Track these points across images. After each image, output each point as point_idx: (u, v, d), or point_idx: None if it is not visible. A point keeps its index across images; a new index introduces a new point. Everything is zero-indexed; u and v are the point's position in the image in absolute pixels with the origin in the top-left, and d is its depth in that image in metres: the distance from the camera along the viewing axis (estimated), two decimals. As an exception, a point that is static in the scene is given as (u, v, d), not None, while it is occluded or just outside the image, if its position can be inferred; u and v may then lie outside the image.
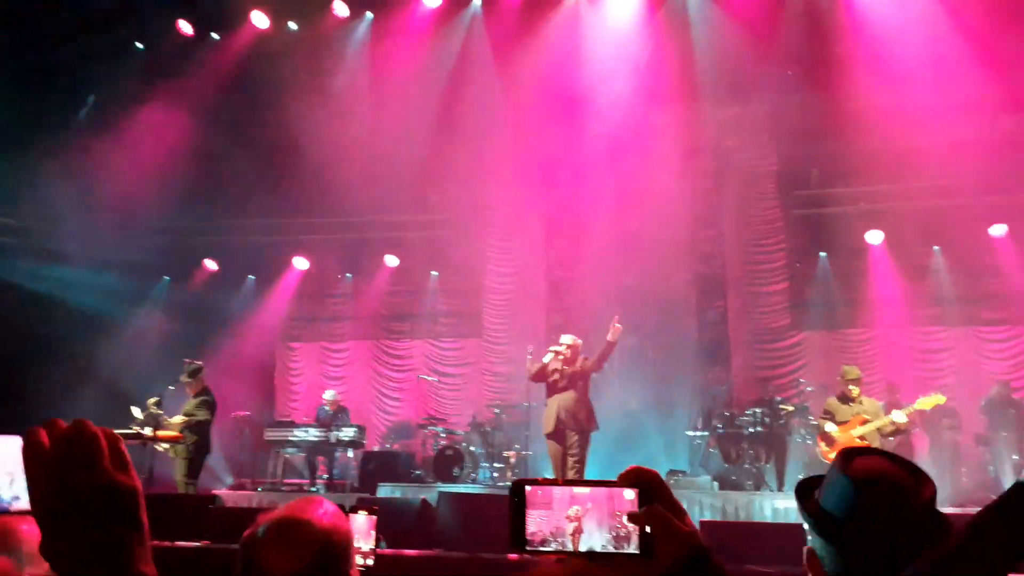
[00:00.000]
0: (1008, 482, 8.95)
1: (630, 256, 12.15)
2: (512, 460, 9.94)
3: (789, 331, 11.68)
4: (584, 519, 1.20)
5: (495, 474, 10.17)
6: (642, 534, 1.18)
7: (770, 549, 5.23)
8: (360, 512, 3.32)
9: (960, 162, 10.54)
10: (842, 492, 1.33)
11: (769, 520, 8.25)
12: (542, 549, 1.20)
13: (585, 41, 11.85)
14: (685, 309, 11.98)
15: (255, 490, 10.42)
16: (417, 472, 10.57)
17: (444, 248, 13.07)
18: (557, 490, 1.23)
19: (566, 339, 7.59)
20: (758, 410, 9.70)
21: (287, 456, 10.65)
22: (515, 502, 1.22)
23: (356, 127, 12.41)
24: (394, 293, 13.29)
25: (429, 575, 5.79)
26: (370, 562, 3.18)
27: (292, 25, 12.32)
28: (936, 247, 11.16)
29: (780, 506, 8.46)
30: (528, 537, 1.21)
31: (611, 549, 1.18)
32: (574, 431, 7.27)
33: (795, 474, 9.59)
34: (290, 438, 10.36)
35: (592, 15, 11.93)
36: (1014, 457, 9.11)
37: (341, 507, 1.78)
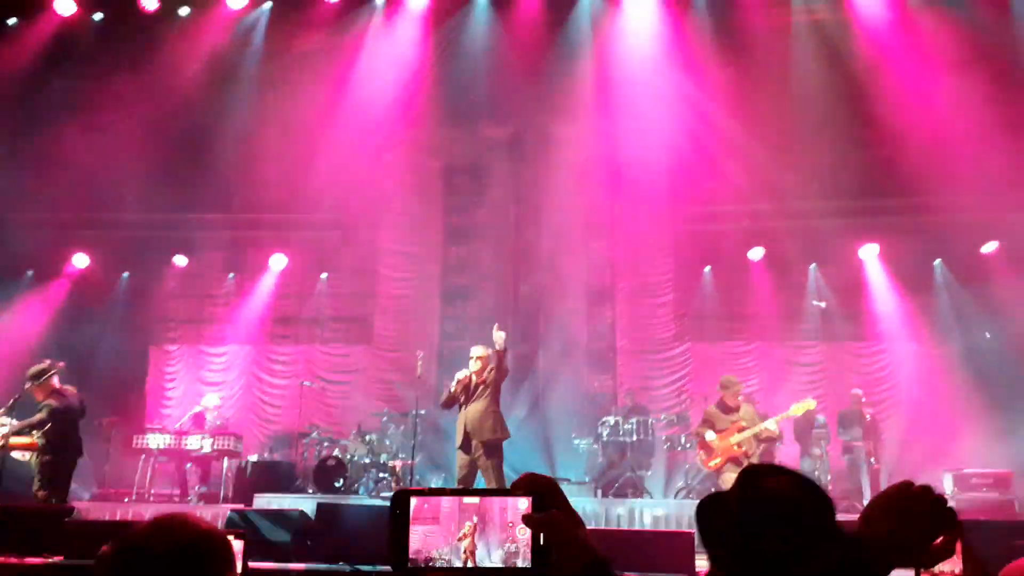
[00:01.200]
0: (866, 488, 9.50)
1: (526, 264, 12.23)
2: (397, 469, 9.72)
3: (674, 341, 11.99)
4: (477, 534, 1.10)
5: (379, 484, 9.91)
6: (535, 546, 1.08)
7: (655, 557, 5.27)
8: (228, 536, 3.08)
9: (835, 183, 11.18)
10: (760, 509, 1.28)
11: (649, 527, 8.40)
12: (426, 567, 1.08)
13: (492, 41, 11.80)
14: (576, 317, 12.12)
15: (120, 501, 9.74)
16: (297, 482, 10.17)
17: (335, 250, 12.71)
18: (446, 502, 1.12)
19: (476, 351, 7.37)
20: (641, 418, 9.89)
21: (157, 465, 10.01)
22: (396, 515, 1.10)
23: (247, 120, 11.94)
24: (280, 295, 12.77)
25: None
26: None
27: (183, 10, 11.71)
28: (813, 265, 11.73)
29: (659, 513, 8.64)
30: (412, 555, 1.09)
31: (515, 563, 1.08)
32: (480, 441, 7.03)
33: (675, 482, 9.85)
34: (160, 445, 9.74)
35: (499, 15, 11.90)
36: (872, 461, 9.66)
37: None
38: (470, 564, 1.09)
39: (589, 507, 8.73)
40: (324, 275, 12.75)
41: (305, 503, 7.84)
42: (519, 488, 1.12)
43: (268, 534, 6.14)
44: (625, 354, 11.97)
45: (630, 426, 9.79)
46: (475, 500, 1.12)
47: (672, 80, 11.97)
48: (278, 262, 12.63)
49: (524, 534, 1.09)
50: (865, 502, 8.98)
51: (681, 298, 12.13)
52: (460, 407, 7.25)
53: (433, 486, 9.78)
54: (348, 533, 6.08)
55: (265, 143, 12.13)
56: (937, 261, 11.34)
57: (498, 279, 12.42)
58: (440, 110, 12.40)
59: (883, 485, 9.49)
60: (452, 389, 7.23)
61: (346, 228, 12.74)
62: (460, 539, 1.11)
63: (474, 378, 7.18)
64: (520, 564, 1.09)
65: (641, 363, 11.84)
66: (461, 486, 6.51)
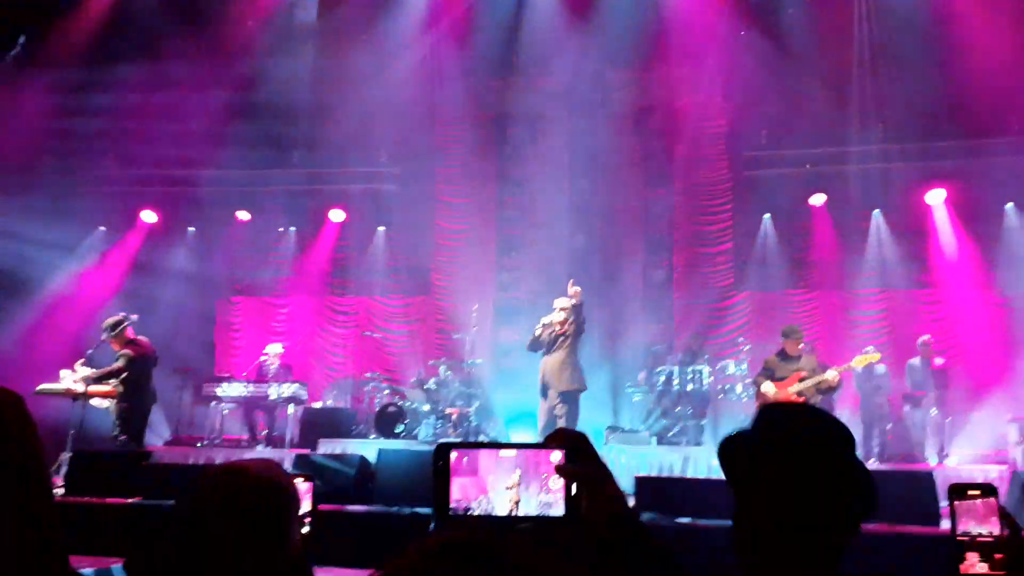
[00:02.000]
0: (931, 438, 9.33)
1: (580, 215, 12.18)
2: (454, 417, 9.93)
3: (732, 290, 11.85)
4: (521, 486, 1.16)
5: (437, 431, 10.17)
6: (568, 498, 1.14)
7: (705, 503, 5.33)
8: (296, 479, 3.25)
9: (899, 126, 10.76)
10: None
11: (703, 476, 8.46)
12: (467, 515, 1.15)
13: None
14: (632, 267, 12.06)
15: (193, 446, 10.24)
16: (359, 429, 10.51)
17: (391, 203, 12.85)
18: (484, 455, 1.18)
19: (560, 302, 7.73)
20: (697, 367, 9.87)
21: (226, 412, 10.46)
22: (439, 467, 1.17)
23: (300, 73, 12.08)
24: (339, 248, 13.04)
25: (368, 530, 5.77)
26: (305, 529, 3.13)
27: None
28: (876, 211, 11.38)
29: (715, 463, 8.63)
30: (453, 505, 1.15)
31: (549, 513, 1.14)
32: (557, 391, 7.41)
33: (728, 430, 9.83)
34: (229, 393, 10.15)
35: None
36: (933, 413, 9.47)
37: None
38: (513, 513, 1.15)
39: (645, 455, 8.82)
40: (381, 228, 12.92)
41: (366, 448, 8.12)
42: (552, 442, 1.17)
43: (331, 478, 6.40)
44: (682, 304, 11.90)
45: (686, 375, 9.79)
46: (511, 454, 1.17)
47: (729, 21, 11.62)
48: (336, 216, 12.86)
49: (558, 485, 1.14)
50: (927, 452, 8.84)
51: (740, 246, 11.93)
52: (542, 355, 7.63)
53: (488, 434, 10.01)
54: (407, 477, 6.29)
55: (323, 97, 12.30)
56: (1009, 205, 10.85)
57: (553, 229, 12.40)
58: (493, 60, 12.32)
59: (947, 436, 9.35)
60: (536, 333, 7.67)
61: (402, 180, 12.85)
62: (507, 489, 1.17)
63: (556, 327, 7.51)
64: (554, 513, 1.15)
65: (699, 312, 11.75)
66: (541, 431, 6.81)
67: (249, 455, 8.97)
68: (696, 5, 11.54)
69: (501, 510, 1.14)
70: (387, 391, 10.89)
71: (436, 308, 12.59)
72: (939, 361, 9.72)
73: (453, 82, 12.70)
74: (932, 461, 8.99)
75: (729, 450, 1.35)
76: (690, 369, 9.82)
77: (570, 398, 7.44)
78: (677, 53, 11.79)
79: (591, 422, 9.93)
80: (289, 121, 12.32)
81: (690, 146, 12.16)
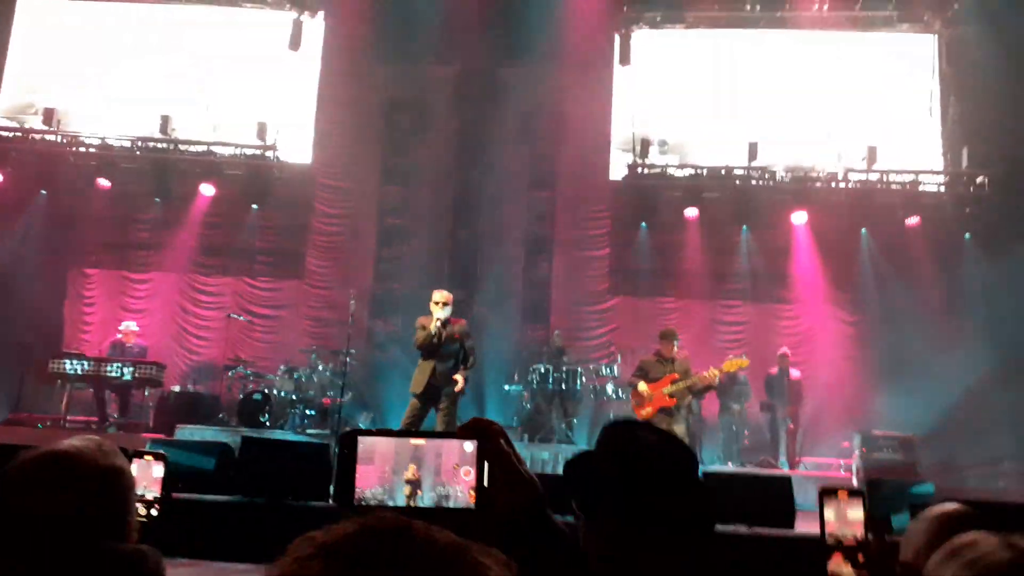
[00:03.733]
0: (782, 446, 9.93)
1: (465, 209, 12.14)
2: (325, 407, 9.66)
3: (607, 295, 12.16)
4: (422, 474, 1.09)
5: (305, 421, 9.85)
6: (479, 488, 1.08)
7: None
8: (145, 457, 3.00)
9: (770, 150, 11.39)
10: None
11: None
12: (371, 505, 1.07)
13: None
14: (513, 266, 12.15)
15: (33, 427, 9.42)
16: (220, 416, 10.02)
17: (269, 182, 12.33)
18: (392, 442, 1.10)
19: (441, 296, 7.11)
20: (570, 368, 10.06)
21: (75, 391, 9.70)
22: (345, 454, 1.08)
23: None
24: (209, 225, 12.34)
25: (228, 521, 5.47)
26: (155, 512, 2.88)
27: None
28: (745, 227, 11.98)
29: (585, 461, 8.85)
30: (356, 493, 1.08)
31: (448, 504, 1.08)
32: (446, 391, 7.02)
33: (598, 430, 10.09)
34: (78, 371, 9.40)
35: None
36: (787, 422, 10.07)
37: (124, 450, 1.54)
38: (412, 504, 1.09)
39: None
40: (255, 206, 12.36)
41: (228, 436, 7.74)
42: (465, 432, 1.11)
43: (189, 465, 6.04)
44: (559, 305, 12.09)
45: (559, 374, 9.95)
46: (422, 442, 1.10)
47: (616, 36, 11.95)
48: (207, 190, 12.18)
49: (469, 477, 1.08)
50: (781, 460, 9.37)
51: (617, 253, 12.25)
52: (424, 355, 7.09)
53: (362, 425, 9.77)
54: (272, 467, 6.02)
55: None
56: (863, 230, 11.71)
57: (436, 222, 12.30)
58: (383, 45, 12.08)
59: (799, 445, 9.96)
60: (433, 339, 6.95)
61: (280, 159, 12.35)
62: (405, 480, 1.10)
63: (446, 327, 7.01)
64: (455, 505, 1.10)
65: (574, 314, 11.98)
66: (408, 426, 6.57)
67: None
68: (592, 15, 11.77)
69: (399, 501, 1.08)
70: (253, 378, 10.43)
71: (309, 294, 12.19)
72: (795, 373, 10.34)
73: (338, 63, 12.37)
74: (785, 467, 9.55)
75: (574, 470, 1.35)
76: (564, 369, 9.99)
77: (455, 399, 7.23)
78: (570, 59, 11.97)
79: (466, 417, 9.92)
80: (162, 86, 11.57)
81: (575, 151, 12.37)
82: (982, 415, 9.19)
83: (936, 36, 12.22)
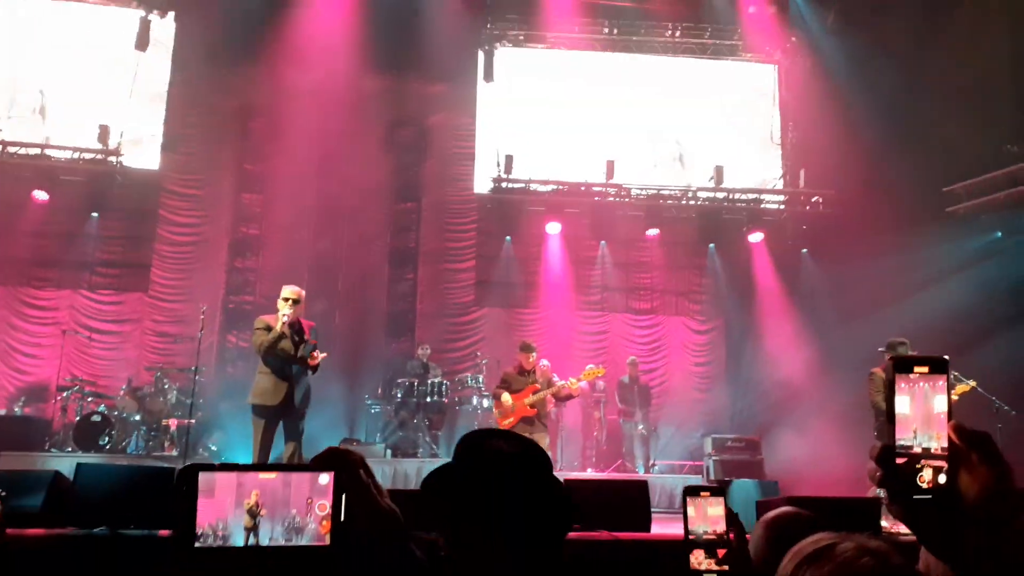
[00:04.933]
0: (637, 450, 10.29)
1: (326, 220, 11.80)
2: (172, 429, 9.08)
3: (472, 307, 12.19)
4: (269, 510, 1.01)
5: (150, 443, 9.22)
6: (335, 522, 1.02)
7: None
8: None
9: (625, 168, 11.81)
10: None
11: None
12: (215, 546, 0.98)
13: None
14: (377, 279, 11.94)
15: None
16: (52, 440, 9.20)
17: (110, 188, 11.47)
18: (234, 476, 1.02)
19: (290, 291, 6.07)
20: (435, 380, 9.99)
21: None
22: (185, 491, 0.99)
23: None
24: (42, 235, 11.31)
25: (59, 557, 4.99)
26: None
27: None
28: (603, 242, 12.38)
29: (449, 474, 8.80)
30: (199, 533, 0.98)
31: (296, 542, 1.01)
32: (301, 409, 6.13)
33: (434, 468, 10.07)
34: None
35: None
36: (641, 428, 10.45)
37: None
38: (252, 541, 1.00)
39: (379, 468, 8.68)
40: (95, 214, 11.48)
41: (62, 463, 7.11)
42: (320, 463, 1.04)
43: (14, 497, 5.46)
44: (424, 317, 11.99)
45: (424, 388, 9.86)
46: (272, 475, 1.02)
47: (480, 52, 12.05)
48: (41, 196, 11.17)
49: (323, 511, 1.01)
50: (638, 464, 9.71)
51: (482, 265, 12.33)
52: (274, 361, 6.07)
53: (213, 447, 9.24)
54: (112, 495, 5.56)
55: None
56: (711, 245, 12.39)
57: (294, 233, 11.88)
58: (239, 48, 11.58)
59: (652, 448, 10.36)
60: (279, 331, 5.97)
61: (123, 163, 11.53)
62: (247, 510, 1.01)
63: (299, 333, 6.07)
64: (304, 542, 1.03)
65: (439, 327, 11.92)
66: (261, 450, 6.02)
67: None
68: (457, 31, 11.82)
69: (238, 537, 0.99)
70: (90, 398, 9.65)
71: (154, 307, 11.44)
72: (645, 379, 10.78)
73: (191, 65, 11.75)
74: (640, 471, 9.90)
75: (432, 484, 1.33)
76: (429, 381, 9.91)
77: (303, 416, 6.21)
78: (435, 73, 11.96)
79: (326, 435, 9.60)
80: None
81: (440, 164, 12.36)
82: (815, 414, 9.89)
83: (776, 67, 13.17)
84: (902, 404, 0.89)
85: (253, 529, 0.99)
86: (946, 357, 0.90)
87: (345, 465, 1.04)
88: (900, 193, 10.23)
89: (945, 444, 0.87)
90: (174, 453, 8.80)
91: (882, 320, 8.84)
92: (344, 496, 1.02)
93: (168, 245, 11.62)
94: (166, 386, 9.64)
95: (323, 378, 7.93)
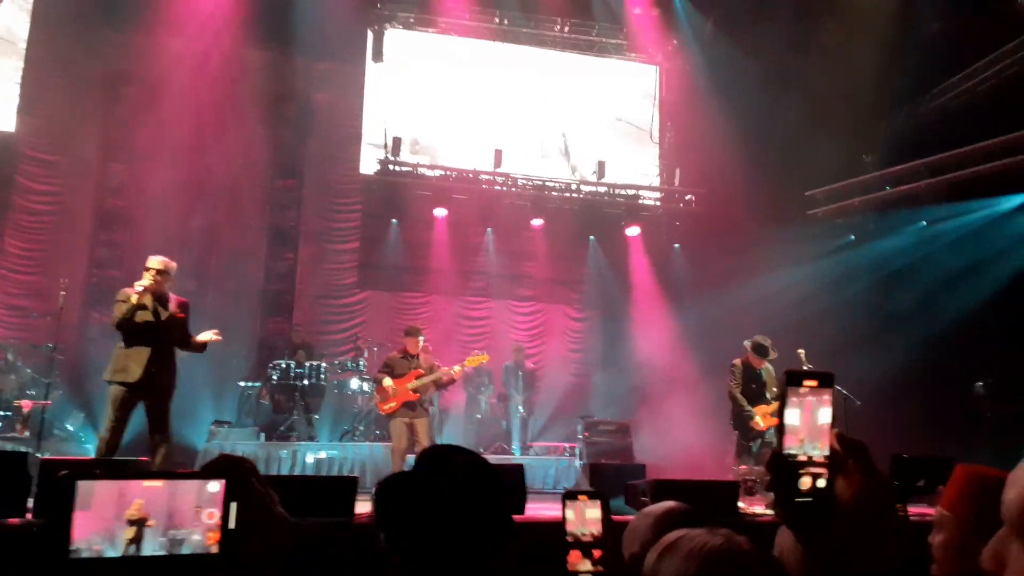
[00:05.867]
0: (516, 432, 10.51)
1: (200, 195, 11.30)
2: (25, 412, 8.50)
3: (354, 288, 12.03)
4: (153, 518, 1.02)
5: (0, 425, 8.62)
6: (224, 531, 1.04)
7: (314, 500, 5.28)
8: None
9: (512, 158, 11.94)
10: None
11: (311, 471, 8.48)
12: (90, 557, 0.98)
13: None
14: (254, 257, 11.57)
15: None
16: None
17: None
18: (120, 485, 1.02)
19: (155, 262, 5.66)
20: (313, 363, 9.83)
21: None
22: (62, 504, 0.98)
23: None
24: None
25: None
26: None
27: None
28: (489, 229, 12.49)
29: (322, 456, 8.74)
30: (74, 544, 0.98)
31: (182, 550, 1.02)
32: (160, 387, 5.68)
33: (341, 425, 10.00)
34: None
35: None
36: (520, 410, 10.69)
37: None
38: (132, 551, 1.01)
39: (250, 451, 8.49)
40: (-61, 177, 10.52)
41: None
42: (212, 470, 1.06)
43: None
44: (303, 298, 11.74)
45: (302, 370, 9.68)
46: (158, 483, 1.03)
47: (370, 32, 11.83)
48: None
49: (212, 519, 1.04)
50: (514, 445, 9.93)
51: (365, 247, 12.17)
52: (131, 342, 5.63)
53: (70, 427, 8.71)
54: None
55: None
56: (591, 237, 12.76)
57: (166, 207, 11.31)
58: (111, 8, 10.89)
59: (530, 431, 10.61)
60: (134, 301, 5.54)
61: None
62: (127, 520, 1.02)
63: (153, 303, 5.62)
64: (190, 550, 1.04)
65: (319, 308, 11.71)
66: (112, 430, 5.63)
67: None
68: (345, 8, 11.55)
69: (117, 547, 1.00)
70: (-73, 377, 8.89)
71: (6, 279, 10.64)
72: (529, 365, 11.01)
73: (54, 23, 10.94)
74: (517, 452, 10.13)
75: (390, 495, 1.39)
76: (307, 364, 9.73)
77: (168, 397, 5.79)
78: (321, 49, 11.66)
79: (197, 416, 9.28)
80: None
81: (324, 142, 12.10)
82: (682, 401, 10.41)
83: (657, 68, 13.65)
84: (792, 416, 0.99)
85: (135, 540, 0.99)
86: (832, 372, 1.01)
87: (238, 473, 1.06)
88: (766, 194, 10.89)
89: (827, 452, 0.99)
90: (26, 435, 8.25)
91: (744, 310, 9.45)
92: (235, 504, 1.04)
93: (25, 214, 10.83)
94: (18, 364, 9.01)
95: (192, 358, 7.61)
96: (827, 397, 1.01)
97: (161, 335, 5.68)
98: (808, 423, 0.99)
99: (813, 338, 7.66)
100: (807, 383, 0.99)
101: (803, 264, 10.53)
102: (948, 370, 9.00)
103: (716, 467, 8.32)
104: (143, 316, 5.62)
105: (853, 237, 11.25)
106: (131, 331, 5.61)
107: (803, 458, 0.98)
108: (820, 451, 0.98)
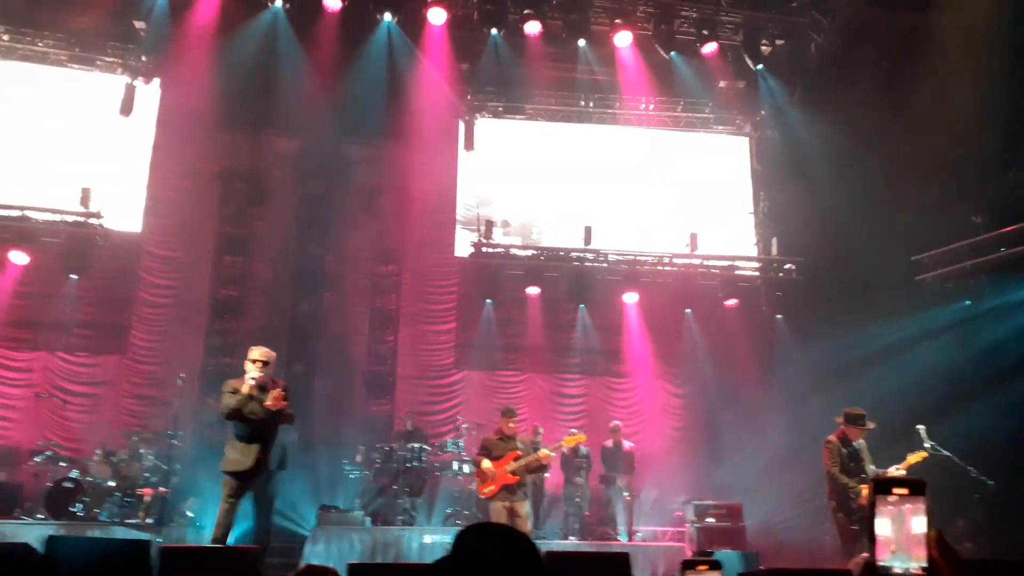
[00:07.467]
0: (621, 516, 10.22)
1: (306, 283, 11.86)
2: (147, 499, 8.88)
3: (452, 369, 12.20)
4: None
5: (124, 509, 9.02)
6: None
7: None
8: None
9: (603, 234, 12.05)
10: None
11: (415, 556, 8.46)
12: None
13: (285, 52, 11.54)
14: (357, 341, 11.95)
15: None
16: (23, 507, 8.98)
17: (90, 250, 11.44)
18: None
19: (259, 352, 5.98)
20: (416, 444, 9.93)
21: None
22: None
23: None
24: (19, 295, 11.20)
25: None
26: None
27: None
28: (582, 305, 12.52)
29: (427, 540, 8.71)
30: None
31: None
32: (269, 470, 6.04)
33: (446, 508, 9.98)
34: None
35: (294, 28, 11.68)
36: (625, 495, 10.39)
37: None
38: None
39: (357, 536, 8.58)
40: (74, 276, 11.41)
41: (32, 532, 6.95)
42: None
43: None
44: (404, 380, 11.98)
45: (405, 453, 9.79)
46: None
47: (461, 123, 12.39)
48: (18, 258, 11.10)
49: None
50: (620, 530, 9.64)
51: (462, 327, 12.39)
52: (242, 426, 5.94)
53: (188, 513, 9.04)
54: (85, 572, 5.43)
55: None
56: (687, 310, 12.57)
57: (275, 295, 11.92)
58: (222, 113, 11.81)
59: (635, 515, 10.27)
60: (245, 394, 5.84)
61: (104, 226, 11.50)
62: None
63: (260, 394, 5.88)
64: None
65: (419, 389, 11.91)
66: (222, 522, 5.87)
67: None
68: (439, 101, 12.16)
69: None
70: (63, 463, 9.46)
71: (132, 370, 11.32)
72: (628, 444, 10.75)
73: (174, 130, 11.92)
74: (623, 538, 9.80)
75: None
76: (409, 446, 9.84)
77: (274, 479, 6.16)
78: (416, 140, 12.24)
79: (305, 502, 9.48)
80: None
81: (421, 228, 12.54)
82: (791, 481, 9.89)
83: (747, 138, 13.62)
84: (883, 526, 0.96)
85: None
86: (923, 480, 0.98)
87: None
88: (870, 261, 10.48)
89: (924, 564, 0.95)
90: (149, 521, 8.62)
91: (854, 387, 8.95)
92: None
93: (148, 307, 11.58)
94: (142, 451, 9.49)
95: (301, 443, 7.87)
96: (920, 506, 0.97)
97: (269, 426, 6.01)
98: (901, 533, 0.96)
99: (927, 409, 7.21)
100: (897, 491, 0.96)
101: (914, 331, 9.99)
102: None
103: (829, 553, 7.84)
104: (252, 408, 5.92)
105: (969, 303, 10.63)
106: (240, 422, 5.94)
107: (898, 571, 0.94)
108: (916, 563, 0.94)
